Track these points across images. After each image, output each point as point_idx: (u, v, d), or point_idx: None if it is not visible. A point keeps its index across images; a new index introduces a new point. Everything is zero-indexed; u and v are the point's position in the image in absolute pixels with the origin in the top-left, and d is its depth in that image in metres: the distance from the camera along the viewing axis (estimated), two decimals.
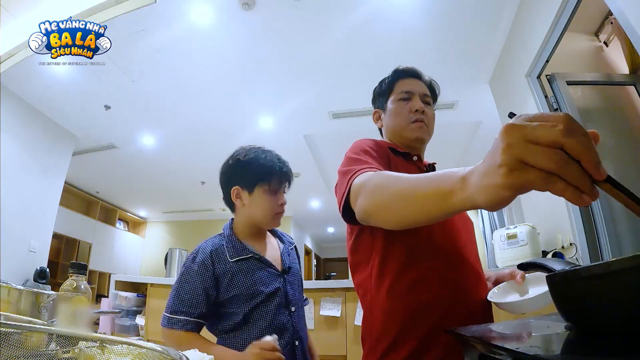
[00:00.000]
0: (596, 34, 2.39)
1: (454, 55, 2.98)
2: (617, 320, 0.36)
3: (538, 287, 0.73)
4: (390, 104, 0.97)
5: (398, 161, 0.87)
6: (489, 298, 0.77)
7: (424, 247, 0.76)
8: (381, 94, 1.00)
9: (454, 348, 0.68)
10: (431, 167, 0.97)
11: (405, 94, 0.94)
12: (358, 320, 1.86)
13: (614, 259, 0.35)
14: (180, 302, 0.91)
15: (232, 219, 1.07)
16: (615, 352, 0.34)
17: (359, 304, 1.75)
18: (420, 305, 0.73)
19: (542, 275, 0.73)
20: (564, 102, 2.04)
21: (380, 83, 1.01)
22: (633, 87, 2.10)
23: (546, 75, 2.17)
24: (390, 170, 0.79)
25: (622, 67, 2.23)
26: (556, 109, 2.09)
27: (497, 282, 0.84)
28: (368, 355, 0.78)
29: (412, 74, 0.98)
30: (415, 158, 0.93)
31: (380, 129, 1.02)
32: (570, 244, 1.92)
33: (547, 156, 0.32)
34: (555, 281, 0.46)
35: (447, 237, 0.79)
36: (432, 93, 0.99)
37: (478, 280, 0.80)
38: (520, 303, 0.70)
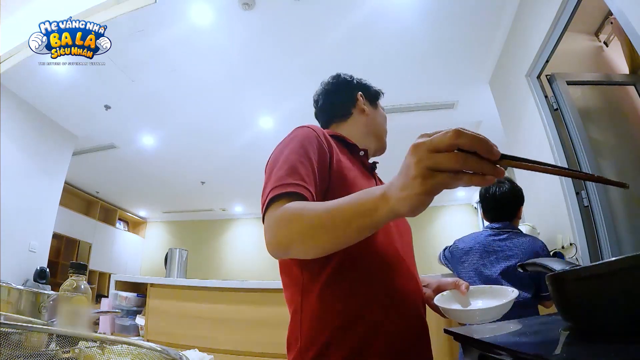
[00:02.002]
0: (596, 34, 2.38)
1: (454, 55, 2.98)
2: (617, 320, 0.36)
3: (480, 299, 0.75)
4: (379, 109, 1.00)
5: (344, 153, 0.82)
6: (436, 302, 0.75)
7: (361, 254, 0.71)
8: (375, 93, 1.01)
9: (390, 356, 0.66)
10: (373, 166, 0.94)
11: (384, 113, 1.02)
12: None
13: (614, 259, 0.35)
14: None
15: None
16: (615, 352, 0.34)
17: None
18: (353, 313, 0.67)
19: (485, 288, 0.78)
20: (564, 102, 2.04)
21: (370, 86, 1.03)
22: (633, 87, 2.10)
23: (546, 75, 2.17)
24: (332, 164, 0.74)
25: (622, 67, 2.22)
26: (556, 109, 2.09)
27: (438, 290, 0.80)
28: None
29: None
30: (362, 153, 0.89)
31: (350, 109, 0.96)
32: (570, 244, 1.92)
33: (449, 159, 0.39)
34: (556, 281, 0.46)
35: (385, 241, 0.75)
36: None
37: (415, 284, 0.77)
38: (470, 313, 0.71)
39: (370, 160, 0.94)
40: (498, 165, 0.40)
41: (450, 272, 1.77)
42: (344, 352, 0.65)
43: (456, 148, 0.39)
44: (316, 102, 1.02)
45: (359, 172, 0.82)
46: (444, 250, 1.77)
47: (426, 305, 0.81)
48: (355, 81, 1.00)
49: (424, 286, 0.84)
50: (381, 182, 0.92)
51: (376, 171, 0.94)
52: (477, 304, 0.75)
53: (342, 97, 0.97)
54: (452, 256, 1.69)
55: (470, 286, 0.77)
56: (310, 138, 0.74)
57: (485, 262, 1.53)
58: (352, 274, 0.70)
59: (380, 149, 0.97)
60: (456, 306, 0.74)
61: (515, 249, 1.50)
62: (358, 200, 0.51)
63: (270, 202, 0.62)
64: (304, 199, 0.62)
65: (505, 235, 1.56)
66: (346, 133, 0.91)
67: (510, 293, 0.72)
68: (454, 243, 1.71)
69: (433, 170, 0.40)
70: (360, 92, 0.98)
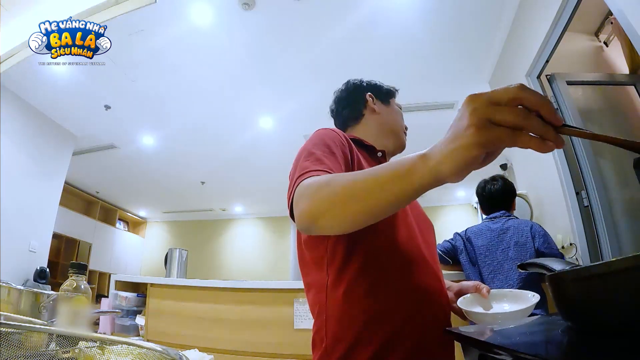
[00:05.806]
0: (596, 34, 2.38)
1: (454, 55, 2.98)
2: (617, 320, 0.36)
3: (500, 303, 0.77)
4: (393, 105, 0.99)
5: (361, 155, 0.80)
6: (459, 304, 0.76)
7: (385, 249, 0.70)
8: (387, 91, 1.00)
9: (417, 354, 0.65)
10: None
11: (400, 109, 0.99)
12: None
13: (614, 259, 0.35)
14: None
15: None
16: (616, 352, 0.34)
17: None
18: (380, 310, 0.66)
19: (505, 291, 0.80)
20: (564, 102, 2.04)
21: (381, 85, 1.02)
22: (633, 87, 2.10)
23: (546, 75, 2.17)
24: (353, 164, 0.73)
25: (622, 67, 2.22)
26: (556, 109, 2.09)
27: (459, 294, 0.81)
28: None
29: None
30: (379, 154, 0.89)
31: (362, 111, 0.96)
32: (570, 244, 1.92)
33: (510, 113, 0.35)
34: (556, 281, 0.46)
35: (408, 238, 0.74)
36: None
37: (439, 283, 0.77)
38: (492, 317, 0.72)
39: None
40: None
41: (449, 270, 1.80)
42: (373, 347, 0.64)
43: (518, 104, 0.36)
44: (332, 111, 1.03)
45: None
46: (446, 241, 1.87)
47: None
48: (364, 83, 1.00)
49: (446, 289, 0.84)
50: None
51: None
52: (498, 307, 0.76)
53: (352, 100, 0.98)
54: (457, 242, 1.80)
55: (491, 290, 0.79)
56: (333, 137, 0.74)
57: (488, 244, 1.69)
58: (376, 272, 0.68)
59: (400, 146, 0.94)
60: (478, 309, 0.75)
61: (512, 227, 1.68)
62: (394, 164, 0.46)
63: (297, 186, 0.58)
64: None
65: (502, 220, 1.75)
66: (362, 135, 0.91)
67: (530, 298, 0.73)
68: (454, 234, 1.85)
69: (491, 122, 0.36)
70: (369, 93, 0.97)
